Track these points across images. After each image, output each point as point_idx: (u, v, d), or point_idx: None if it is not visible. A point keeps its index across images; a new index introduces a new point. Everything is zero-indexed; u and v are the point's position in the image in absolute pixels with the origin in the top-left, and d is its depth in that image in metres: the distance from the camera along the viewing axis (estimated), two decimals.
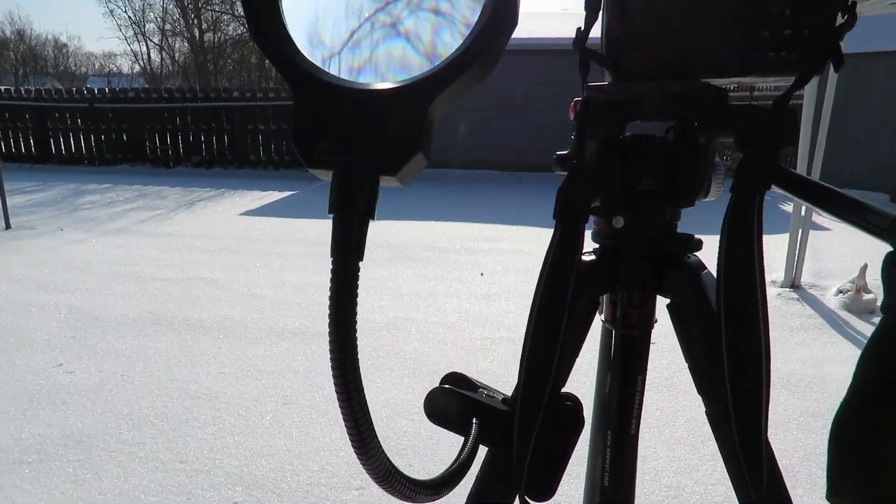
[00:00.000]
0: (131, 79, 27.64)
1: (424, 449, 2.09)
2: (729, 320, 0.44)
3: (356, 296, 0.35)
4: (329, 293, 0.35)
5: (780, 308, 3.61)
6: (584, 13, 0.46)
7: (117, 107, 10.23)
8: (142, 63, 26.21)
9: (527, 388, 0.50)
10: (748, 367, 0.44)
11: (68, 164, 10.48)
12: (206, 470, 1.96)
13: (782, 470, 0.48)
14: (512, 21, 0.32)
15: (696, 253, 0.54)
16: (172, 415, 2.31)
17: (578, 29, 0.47)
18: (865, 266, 3.65)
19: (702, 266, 0.53)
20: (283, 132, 9.99)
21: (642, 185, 0.50)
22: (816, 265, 4.60)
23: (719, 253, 0.45)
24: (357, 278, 0.35)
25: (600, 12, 0.46)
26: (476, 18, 0.33)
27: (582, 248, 0.49)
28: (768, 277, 4.21)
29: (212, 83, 19.06)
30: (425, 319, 3.36)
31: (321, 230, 5.58)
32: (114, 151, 10.42)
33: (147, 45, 25.49)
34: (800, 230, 4.08)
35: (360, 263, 0.35)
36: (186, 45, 22.74)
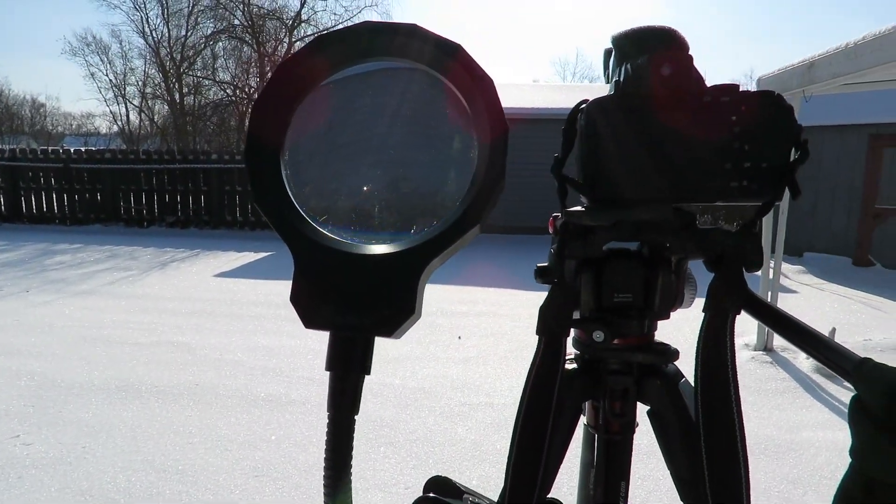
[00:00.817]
0: (109, 139, 27.69)
1: None
2: (707, 432, 0.46)
3: (351, 451, 0.37)
4: (325, 449, 0.36)
5: (755, 371, 3.65)
6: (561, 141, 0.50)
7: (93, 167, 10.20)
8: (120, 124, 26.38)
9: (513, 495, 0.51)
10: (730, 482, 0.46)
11: (40, 224, 10.31)
12: None
13: None
14: (501, 184, 0.34)
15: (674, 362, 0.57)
16: (135, 490, 2.19)
17: (556, 157, 0.51)
18: (833, 330, 3.73)
19: (679, 374, 0.55)
20: None
21: (618, 299, 0.52)
22: None
23: (696, 372, 0.47)
24: (352, 434, 0.37)
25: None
26: (466, 187, 0.36)
27: (564, 360, 0.51)
28: (741, 341, 4.28)
29: (190, 145, 19.22)
30: (402, 385, 3.31)
31: None
32: (87, 211, 10.31)
33: (126, 107, 25.70)
34: (769, 293, 4.19)
35: (357, 417, 0.37)
36: (166, 107, 23.04)
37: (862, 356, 0.38)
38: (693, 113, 0.46)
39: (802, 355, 3.92)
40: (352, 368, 0.36)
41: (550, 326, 0.50)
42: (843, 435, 2.76)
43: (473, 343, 4.15)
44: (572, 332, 0.55)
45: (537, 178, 9.75)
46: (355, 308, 0.35)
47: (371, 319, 0.35)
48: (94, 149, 10.66)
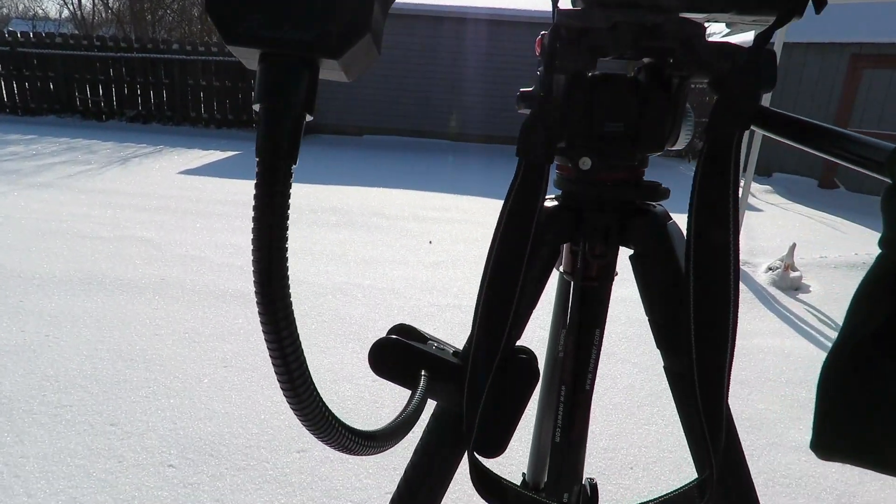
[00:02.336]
0: (59, 24, 25.63)
1: (368, 413, 2.08)
2: (699, 276, 0.42)
3: (287, 209, 0.29)
4: (254, 205, 0.28)
5: None
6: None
7: (44, 52, 9.49)
8: (71, 8, 24.34)
9: (480, 340, 0.48)
10: (715, 326, 0.43)
11: None
12: (138, 433, 1.88)
13: None
14: None
15: (662, 202, 0.53)
16: (102, 377, 2.20)
17: None
18: (794, 245, 3.84)
19: (667, 216, 0.51)
20: (227, 89, 9.55)
21: (609, 127, 0.47)
22: (749, 243, 4.82)
23: (690, 201, 0.43)
24: (289, 187, 0.29)
25: None
26: None
27: (546, 190, 0.46)
28: None
29: (149, 34, 17.93)
30: (372, 285, 3.32)
31: None
32: (39, 101, 9.70)
33: None
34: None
35: (294, 168, 0.29)
36: None
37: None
38: None
39: (760, 269, 4.06)
40: (290, 102, 0.28)
41: (533, 147, 0.44)
42: (791, 342, 2.91)
43: (444, 248, 4.16)
44: (554, 169, 0.51)
45: (521, 84, 9.48)
46: (292, 18, 0.27)
47: (312, 34, 0.27)
48: (43, 33, 9.84)
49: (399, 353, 0.49)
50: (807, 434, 2.15)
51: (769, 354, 2.76)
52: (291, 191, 0.29)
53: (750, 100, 0.41)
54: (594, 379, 0.58)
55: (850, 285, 3.89)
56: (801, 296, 3.67)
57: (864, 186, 7.74)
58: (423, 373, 0.49)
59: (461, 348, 0.51)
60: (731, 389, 2.39)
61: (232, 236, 4.08)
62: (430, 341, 0.50)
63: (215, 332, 2.63)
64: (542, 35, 0.46)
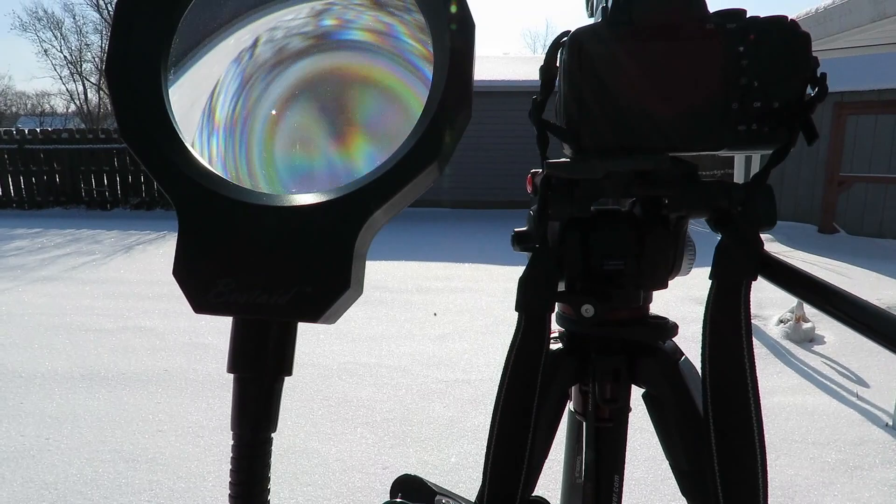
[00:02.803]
0: (66, 118, 26.61)
1: None
2: (719, 430, 0.40)
3: (267, 482, 0.27)
4: (230, 482, 0.26)
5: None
6: (539, 81, 0.43)
7: (49, 148, 9.79)
8: (78, 102, 25.34)
9: (493, 494, 0.44)
10: (744, 483, 0.39)
11: None
12: None
13: None
14: (465, 107, 0.25)
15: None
16: (103, 482, 2.12)
17: (534, 100, 0.43)
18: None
19: (679, 352, 0.49)
20: None
21: (609, 266, 0.46)
22: (757, 295, 4.77)
23: (703, 352, 0.40)
24: (268, 460, 0.27)
25: (557, 80, 0.43)
26: (421, 107, 0.26)
27: (549, 341, 0.44)
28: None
29: None
30: (378, 363, 3.26)
31: None
32: (45, 194, 9.92)
33: (84, 85, 24.62)
34: None
35: (273, 435, 0.27)
36: None
37: None
38: (694, 43, 0.39)
39: (772, 322, 3.99)
40: (265, 369, 0.27)
41: (532, 301, 0.43)
42: (812, 399, 2.82)
43: (449, 319, 4.12)
44: (556, 306, 0.49)
45: (510, 150, 9.71)
46: (266, 283, 0.25)
47: (287, 297, 0.25)
48: (49, 129, 10.19)
49: None
50: (843, 500, 2.04)
51: (792, 413, 2.67)
52: (272, 459, 0.27)
53: (753, 247, 0.40)
54: None
55: None
56: (816, 347, 3.60)
57: (863, 229, 7.76)
58: None
59: (473, 501, 0.47)
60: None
61: None
62: (438, 496, 0.47)
63: (220, 423, 2.55)
64: (533, 173, 0.45)
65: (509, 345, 0.43)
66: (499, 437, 0.44)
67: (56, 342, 3.62)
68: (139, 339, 3.68)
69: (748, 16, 0.40)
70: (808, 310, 3.84)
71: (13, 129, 10.18)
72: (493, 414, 0.44)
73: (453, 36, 0.25)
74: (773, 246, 7.35)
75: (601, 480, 0.51)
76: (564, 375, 0.49)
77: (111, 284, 5.15)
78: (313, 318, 0.25)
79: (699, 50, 0.39)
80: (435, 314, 4.23)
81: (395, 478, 0.47)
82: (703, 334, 0.40)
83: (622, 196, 0.45)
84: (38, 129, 10.33)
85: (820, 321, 3.95)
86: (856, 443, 2.41)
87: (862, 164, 7.75)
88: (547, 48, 0.42)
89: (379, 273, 5.52)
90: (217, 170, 0.28)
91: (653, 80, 0.40)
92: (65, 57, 24.54)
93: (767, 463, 0.40)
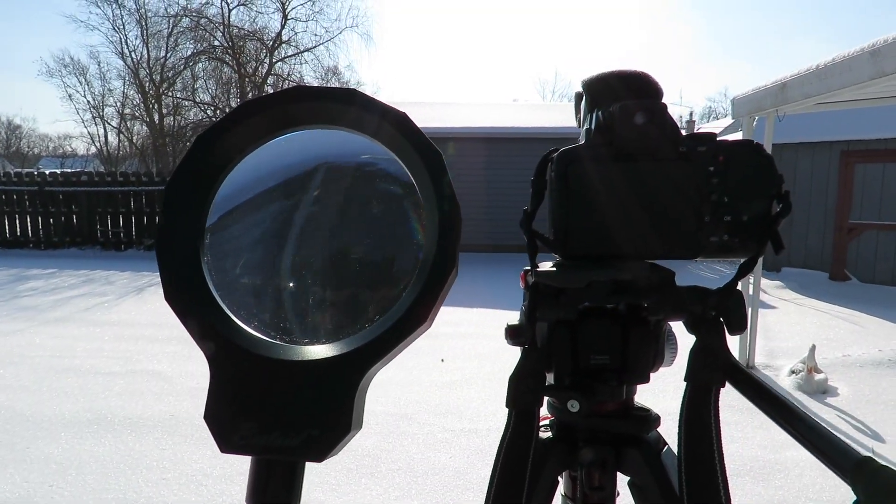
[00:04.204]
0: (87, 160, 27.31)
1: None
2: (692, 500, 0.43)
3: None
4: None
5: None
6: (532, 193, 0.47)
7: (68, 190, 10.03)
8: (98, 145, 26.06)
9: None
10: None
11: (13, 248, 10.09)
12: None
13: None
14: (453, 268, 0.29)
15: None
16: None
17: (524, 210, 0.47)
18: (813, 347, 3.75)
19: (662, 442, 0.52)
20: None
21: (595, 361, 0.49)
22: (768, 344, 4.71)
23: (679, 442, 0.44)
24: None
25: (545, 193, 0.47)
26: (415, 271, 0.30)
27: (538, 433, 0.47)
28: None
29: (169, 166, 19.02)
30: (384, 411, 3.24)
31: None
32: (62, 234, 10.11)
33: (105, 128, 25.37)
34: (749, 309, 4.21)
35: None
36: (145, 128, 22.83)
37: (863, 455, 0.33)
38: (668, 163, 0.44)
39: (783, 372, 3.94)
40: (278, 501, 0.31)
41: (521, 398, 0.46)
42: None
43: (457, 366, 4.10)
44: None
45: (519, 195, 9.80)
46: (281, 426, 0.29)
47: (298, 440, 0.29)
48: (70, 171, 10.47)
49: None
50: None
51: (806, 469, 2.61)
52: None
53: (724, 355, 0.44)
54: None
55: (878, 385, 3.75)
56: (829, 399, 3.53)
57: (876, 277, 7.69)
58: None
59: None
60: None
61: None
62: None
63: (224, 472, 2.54)
64: (526, 271, 0.49)
65: (501, 437, 0.46)
66: None
67: (65, 385, 3.64)
68: (147, 383, 3.69)
69: (718, 139, 0.44)
70: (820, 359, 3.79)
71: (34, 170, 10.47)
72: (486, 500, 0.46)
73: (443, 215, 0.30)
74: (783, 293, 7.30)
75: None
76: (554, 462, 0.51)
77: (122, 327, 5.19)
78: (319, 457, 0.30)
79: (673, 170, 0.44)
80: (442, 360, 4.21)
81: None
82: (679, 428, 0.43)
83: (605, 303, 0.48)
84: (58, 171, 10.62)
85: (833, 372, 3.89)
86: None
87: (871, 213, 7.75)
88: (537, 165, 0.47)
89: None
90: (240, 318, 0.32)
91: (632, 197, 0.44)
92: (87, 101, 25.35)
93: None
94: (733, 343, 4.15)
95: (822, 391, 3.62)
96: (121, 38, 21.82)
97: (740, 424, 3.09)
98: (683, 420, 0.44)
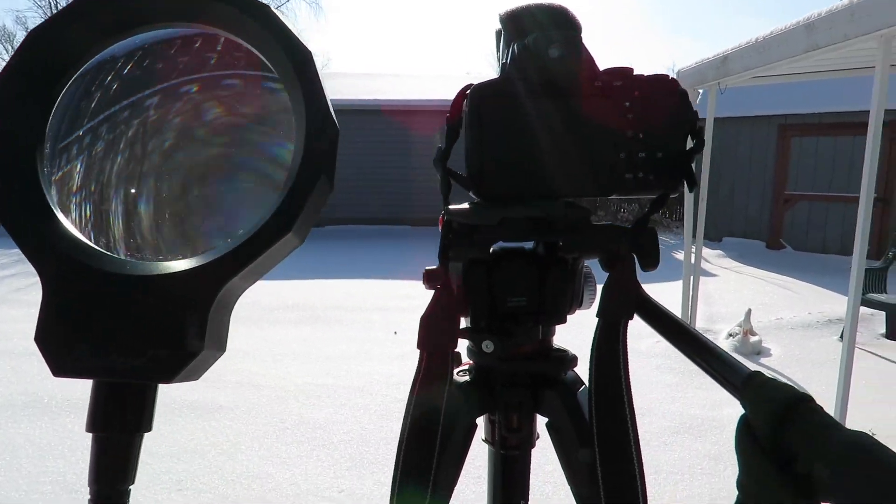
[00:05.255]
0: None
1: None
2: (601, 433, 0.43)
3: None
4: None
5: (678, 352, 3.80)
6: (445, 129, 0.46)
7: None
8: None
9: None
10: (622, 473, 0.43)
11: None
12: None
13: None
14: (320, 175, 0.27)
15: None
16: None
17: (439, 148, 0.46)
18: (749, 311, 3.94)
19: (579, 382, 0.52)
20: None
21: (511, 303, 0.48)
22: (708, 310, 4.92)
23: (589, 379, 0.45)
24: None
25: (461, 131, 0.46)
26: (283, 176, 0.28)
27: (451, 375, 0.46)
28: None
29: None
30: (336, 384, 3.23)
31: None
32: None
33: None
34: (691, 277, 4.38)
35: (132, 488, 0.29)
36: None
37: (753, 369, 0.34)
38: (584, 99, 0.43)
39: (722, 335, 4.13)
40: (123, 428, 0.29)
41: (434, 339, 0.45)
42: None
43: (409, 338, 4.11)
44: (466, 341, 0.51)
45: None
46: (122, 347, 0.27)
47: (143, 360, 0.27)
48: None
49: None
50: None
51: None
52: None
53: (633, 290, 0.44)
54: None
55: (807, 345, 3.98)
56: (762, 360, 3.73)
57: (808, 245, 8.11)
58: None
59: None
60: (707, 468, 2.36)
61: None
62: None
63: (169, 450, 2.48)
64: (443, 214, 0.48)
65: (411, 383, 0.45)
66: (404, 467, 0.45)
67: None
68: None
69: (634, 73, 0.43)
70: (755, 323, 3.98)
71: None
72: (399, 446, 0.45)
73: (313, 133, 0.27)
74: (724, 261, 7.62)
75: None
76: (473, 405, 0.51)
77: None
78: (167, 379, 0.27)
79: (589, 105, 0.43)
80: (395, 332, 4.22)
81: None
82: (590, 362, 0.44)
83: (520, 240, 0.48)
84: None
85: (767, 334, 4.10)
86: None
87: (806, 184, 8.12)
88: (452, 101, 0.45)
89: (337, 292, 5.48)
90: (85, 234, 0.29)
91: (547, 133, 0.43)
92: None
93: (643, 460, 0.44)
94: (675, 307, 4.31)
95: (756, 352, 3.81)
96: (49, 2, 20.43)
97: (681, 386, 3.23)
98: (594, 355, 0.44)
